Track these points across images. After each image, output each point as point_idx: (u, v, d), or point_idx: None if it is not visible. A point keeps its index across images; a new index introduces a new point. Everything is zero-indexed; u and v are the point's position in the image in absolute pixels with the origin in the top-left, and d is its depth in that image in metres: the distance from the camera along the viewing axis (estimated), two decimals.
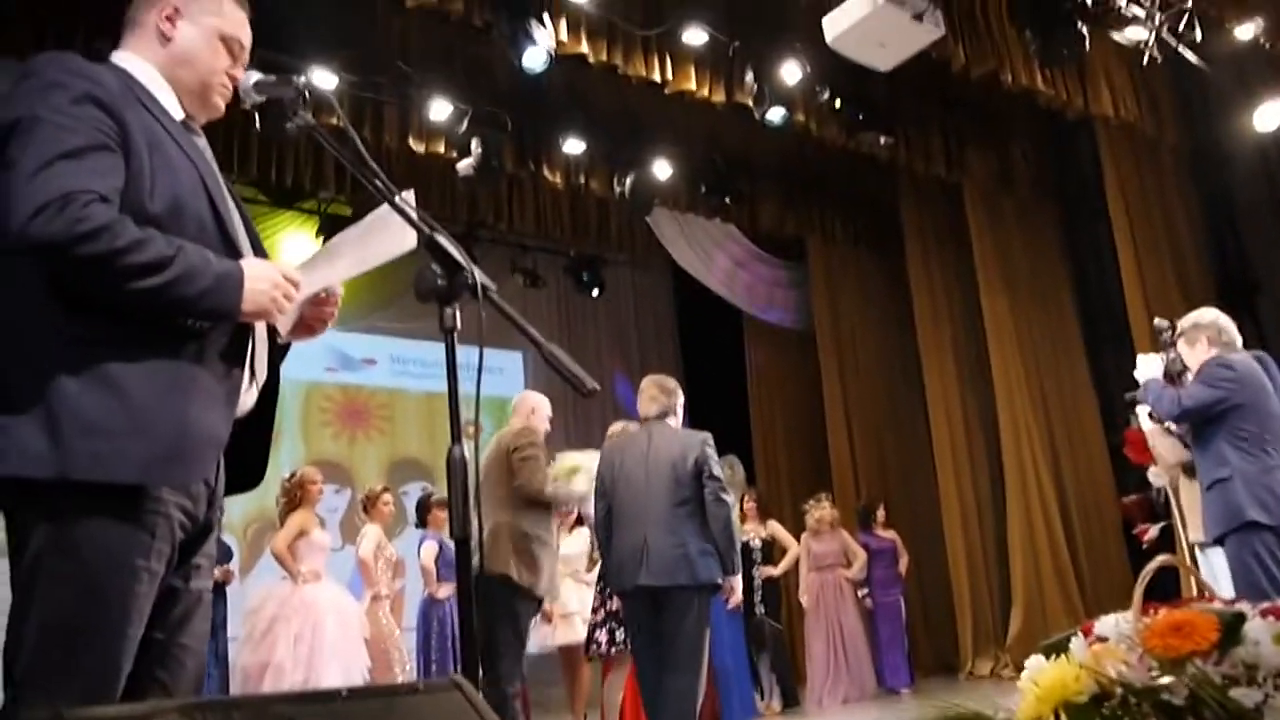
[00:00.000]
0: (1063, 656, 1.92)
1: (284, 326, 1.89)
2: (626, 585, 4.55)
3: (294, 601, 6.08)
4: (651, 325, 13.15)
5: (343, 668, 5.98)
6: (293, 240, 10.25)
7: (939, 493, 9.85)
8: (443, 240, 1.65)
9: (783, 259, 11.44)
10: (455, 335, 1.62)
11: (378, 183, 1.73)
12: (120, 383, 1.60)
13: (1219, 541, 4.09)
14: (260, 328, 1.85)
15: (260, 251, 1.91)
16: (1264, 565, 3.86)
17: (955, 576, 9.60)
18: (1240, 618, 1.77)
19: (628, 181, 8.84)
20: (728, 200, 9.58)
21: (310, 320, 1.93)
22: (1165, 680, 1.67)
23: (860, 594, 8.63)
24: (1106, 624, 1.91)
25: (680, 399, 4.93)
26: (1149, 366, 4.40)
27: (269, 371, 1.93)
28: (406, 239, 1.75)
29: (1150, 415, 4.64)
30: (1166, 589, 2.34)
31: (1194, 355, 4.32)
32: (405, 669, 6.58)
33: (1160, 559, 2.03)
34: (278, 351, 1.99)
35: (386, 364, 11.21)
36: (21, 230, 1.57)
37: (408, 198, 1.79)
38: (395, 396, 11.35)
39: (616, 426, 5.80)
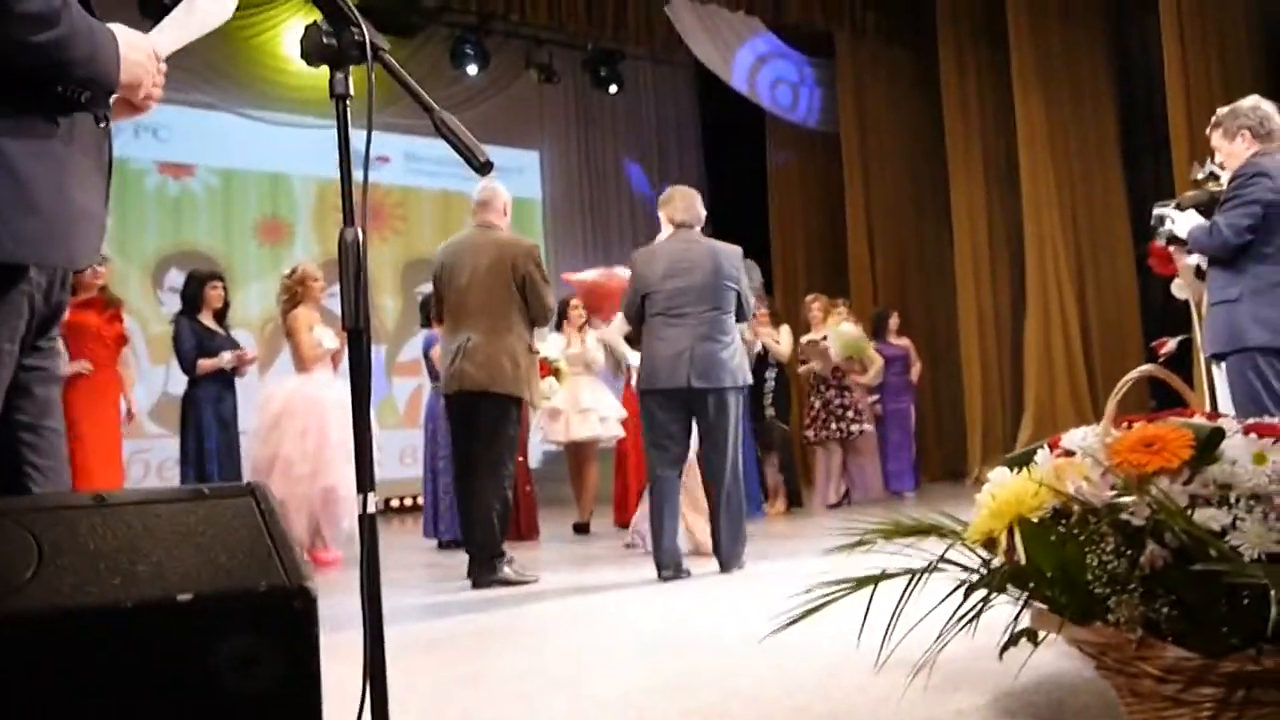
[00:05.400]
0: (1026, 470, 1.80)
1: None
2: (665, 385, 4.66)
3: (300, 395, 6.09)
4: (672, 124, 12.70)
5: (350, 462, 6.03)
6: (297, 31, 9.83)
7: (958, 302, 9.68)
8: None
9: (809, 55, 10.89)
10: (347, 103, 1.45)
11: None
12: (10, 162, 1.52)
13: (1220, 358, 3.93)
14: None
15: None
16: (1266, 382, 3.70)
17: (969, 385, 9.56)
18: (1219, 434, 1.62)
19: None
20: None
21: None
22: (1126, 499, 1.55)
23: (870, 400, 8.59)
24: (1075, 437, 1.78)
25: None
26: (1187, 221, 4.08)
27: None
28: (225, 7, 1.61)
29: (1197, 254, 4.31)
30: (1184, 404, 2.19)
31: (1231, 149, 4.00)
32: None
33: (1142, 369, 1.88)
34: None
35: (400, 162, 10.93)
36: None
37: None
38: (410, 195, 11.15)
39: None
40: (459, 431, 5.02)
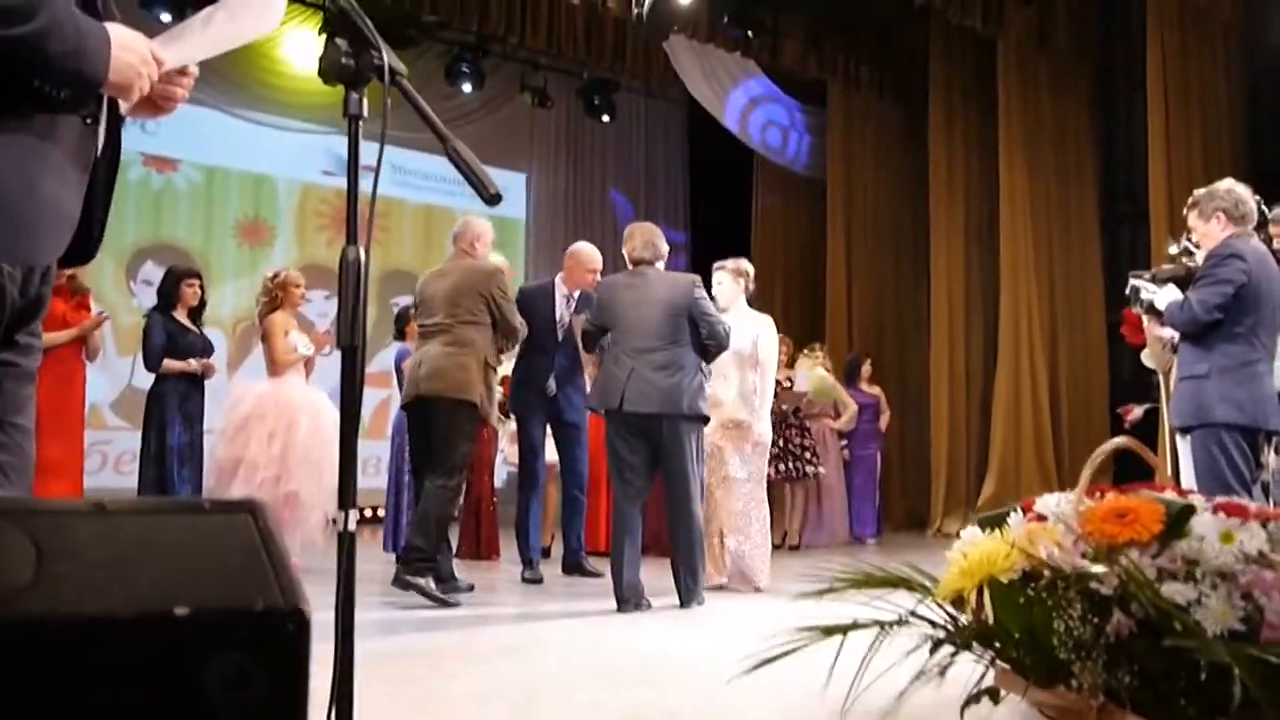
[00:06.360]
0: (998, 531, 1.83)
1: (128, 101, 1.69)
2: (607, 406, 4.69)
3: (270, 399, 6.04)
4: (661, 158, 12.79)
5: (315, 469, 5.97)
6: (295, 36, 9.83)
7: (930, 356, 9.78)
8: (353, 14, 1.45)
9: (801, 101, 11.03)
10: (359, 124, 1.46)
11: None
12: None
13: (1185, 431, 4.00)
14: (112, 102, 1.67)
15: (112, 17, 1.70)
16: (1229, 458, 3.77)
17: (935, 437, 9.63)
18: (1189, 510, 1.66)
19: (647, 2, 8.39)
20: (750, 34, 9.13)
21: (159, 97, 1.72)
22: (1096, 569, 1.57)
23: (839, 445, 8.64)
24: (1048, 502, 1.81)
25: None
26: (1166, 295, 4.18)
27: (110, 146, 1.75)
28: (269, 19, 1.59)
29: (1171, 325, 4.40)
30: (1148, 473, 2.23)
31: (1206, 230, 4.09)
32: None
33: (1116, 441, 1.92)
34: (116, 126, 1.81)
35: (387, 172, 10.73)
36: None
37: None
38: (393, 206, 11.12)
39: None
40: (417, 441, 5.10)
